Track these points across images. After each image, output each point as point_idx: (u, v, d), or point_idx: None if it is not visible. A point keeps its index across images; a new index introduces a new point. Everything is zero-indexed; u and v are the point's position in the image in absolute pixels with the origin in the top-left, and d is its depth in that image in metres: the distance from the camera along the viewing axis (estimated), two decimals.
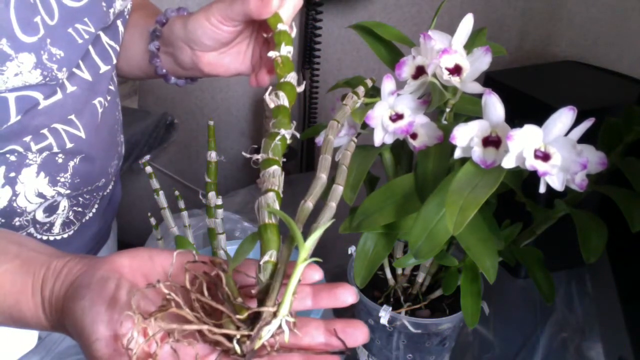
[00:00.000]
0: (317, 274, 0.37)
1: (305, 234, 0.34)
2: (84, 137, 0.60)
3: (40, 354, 0.67)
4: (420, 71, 0.50)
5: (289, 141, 0.42)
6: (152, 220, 0.67)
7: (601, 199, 0.71)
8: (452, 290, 0.57)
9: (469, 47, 0.49)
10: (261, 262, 0.35)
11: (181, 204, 0.66)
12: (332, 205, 0.38)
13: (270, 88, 0.45)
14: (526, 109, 0.73)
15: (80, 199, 0.64)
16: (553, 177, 0.43)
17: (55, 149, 0.58)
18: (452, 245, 0.57)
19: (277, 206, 0.37)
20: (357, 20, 0.88)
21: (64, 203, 0.63)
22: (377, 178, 0.60)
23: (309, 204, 0.38)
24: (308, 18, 1.28)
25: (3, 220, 0.58)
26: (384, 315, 0.56)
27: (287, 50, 0.48)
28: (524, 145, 0.43)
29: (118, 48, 0.65)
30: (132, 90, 1.40)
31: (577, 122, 0.43)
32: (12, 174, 0.56)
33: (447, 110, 0.51)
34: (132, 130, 1.23)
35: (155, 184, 0.63)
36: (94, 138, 0.62)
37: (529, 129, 0.43)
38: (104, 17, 0.60)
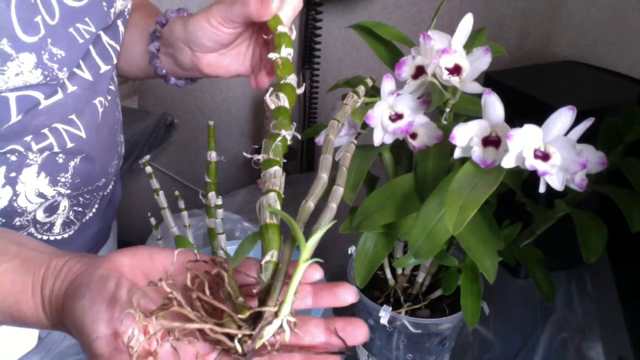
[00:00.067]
0: (318, 273, 0.37)
1: (306, 234, 0.34)
2: (85, 137, 0.60)
3: (40, 354, 0.67)
4: (420, 71, 0.50)
5: (289, 142, 0.42)
6: (152, 220, 0.67)
7: (601, 199, 0.71)
8: (452, 290, 0.57)
9: (468, 47, 0.49)
10: (262, 262, 0.35)
11: (181, 204, 0.66)
12: (333, 206, 0.38)
13: (271, 89, 0.45)
14: (526, 109, 0.73)
15: (80, 199, 0.64)
16: (553, 176, 0.43)
17: (56, 149, 0.58)
18: (452, 245, 0.57)
19: (278, 206, 0.37)
20: (357, 20, 0.88)
21: (64, 203, 0.63)
22: (377, 178, 0.60)
23: (311, 203, 0.38)
24: (308, 18, 1.28)
25: (3, 220, 0.58)
26: (384, 315, 0.56)
27: (287, 52, 0.49)
28: (523, 145, 0.43)
29: (118, 48, 0.65)
30: (132, 90, 1.40)
31: (577, 122, 0.43)
32: (13, 174, 0.56)
33: (447, 110, 0.51)
34: (132, 130, 1.22)
35: (155, 184, 0.63)
36: (95, 138, 0.62)
37: (529, 128, 0.43)
38: (105, 17, 0.60)
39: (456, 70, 0.48)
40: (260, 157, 0.40)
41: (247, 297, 0.35)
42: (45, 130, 0.57)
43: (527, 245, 0.58)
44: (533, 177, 0.44)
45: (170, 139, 1.34)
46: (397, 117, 0.50)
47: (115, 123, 0.68)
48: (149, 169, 0.63)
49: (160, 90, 1.45)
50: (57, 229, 0.64)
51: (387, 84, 0.50)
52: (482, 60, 0.48)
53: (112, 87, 0.66)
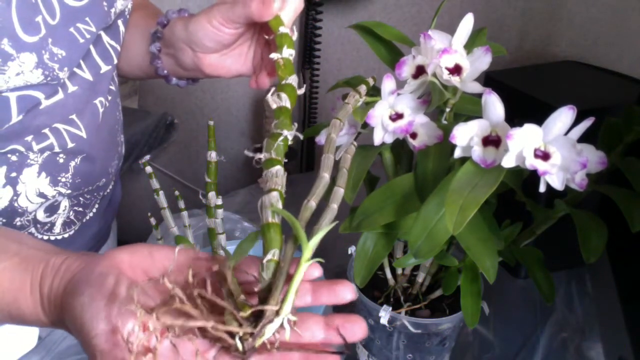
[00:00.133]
0: (317, 271, 0.37)
1: (307, 234, 0.35)
2: (85, 137, 0.60)
3: (40, 354, 0.67)
4: (420, 71, 0.50)
5: (290, 142, 0.42)
6: (152, 220, 0.67)
7: (601, 199, 0.71)
8: (452, 290, 0.57)
9: (469, 46, 0.49)
10: (264, 261, 0.35)
11: (181, 204, 0.66)
12: (334, 207, 0.38)
13: (273, 89, 0.45)
14: (526, 109, 0.73)
15: (80, 198, 0.64)
16: (553, 176, 0.43)
17: (57, 149, 0.58)
18: (452, 245, 0.57)
19: (280, 206, 0.37)
20: (357, 20, 0.88)
21: (64, 203, 0.63)
22: (377, 178, 0.60)
23: (312, 203, 0.38)
24: (308, 18, 1.28)
25: (4, 220, 0.58)
26: (384, 315, 0.56)
27: (288, 53, 0.49)
28: (523, 144, 0.43)
29: (119, 48, 0.65)
30: (132, 90, 1.40)
31: (577, 122, 0.43)
32: (14, 174, 0.56)
33: (447, 109, 0.51)
34: (132, 130, 1.22)
35: (155, 184, 0.63)
36: (95, 138, 0.62)
37: (529, 128, 0.43)
38: (105, 17, 0.60)
39: (456, 70, 0.48)
40: (261, 156, 0.40)
41: (247, 295, 0.36)
42: (46, 130, 0.57)
43: (527, 245, 0.58)
44: (533, 176, 0.44)
45: (170, 139, 1.34)
46: (398, 116, 0.50)
47: (116, 123, 0.68)
48: (149, 169, 0.63)
49: (160, 90, 1.45)
50: (57, 229, 0.64)
51: (388, 84, 0.50)
52: (482, 60, 0.48)
53: (112, 87, 0.66)
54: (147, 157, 0.65)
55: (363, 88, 0.50)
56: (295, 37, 0.52)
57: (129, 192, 1.38)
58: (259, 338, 0.32)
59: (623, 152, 0.53)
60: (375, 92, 0.51)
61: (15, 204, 0.57)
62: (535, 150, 0.43)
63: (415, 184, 0.51)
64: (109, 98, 0.65)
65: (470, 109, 0.52)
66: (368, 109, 0.49)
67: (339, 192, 0.40)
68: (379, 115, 0.50)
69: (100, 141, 0.64)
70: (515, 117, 0.44)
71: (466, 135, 0.45)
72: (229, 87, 1.43)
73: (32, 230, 0.61)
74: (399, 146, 0.55)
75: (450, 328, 0.58)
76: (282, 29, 0.50)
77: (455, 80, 0.47)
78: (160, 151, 1.35)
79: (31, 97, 0.53)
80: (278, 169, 0.39)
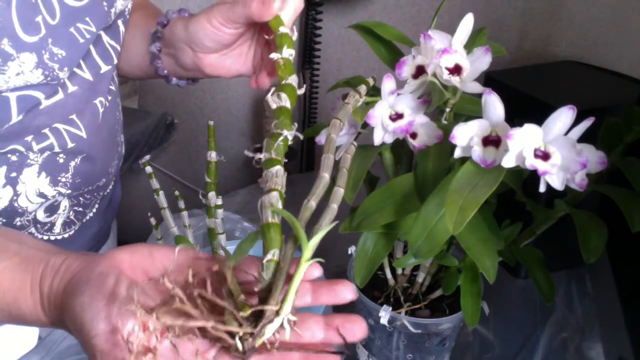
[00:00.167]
0: (317, 271, 0.37)
1: (307, 234, 0.35)
2: (85, 137, 0.60)
3: (40, 354, 0.67)
4: (420, 71, 0.50)
5: (290, 142, 0.42)
6: (152, 220, 0.67)
7: (601, 199, 0.71)
8: (452, 290, 0.57)
9: (469, 46, 0.49)
10: (264, 261, 0.35)
11: (181, 204, 0.66)
12: (334, 207, 0.38)
13: (273, 89, 0.45)
14: (526, 109, 0.73)
15: (80, 198, 0.65)
16: (553, 176, 0.43)
17: (57, 149, 0.58)
18: (452, 245, 0.57)
19: (280, 205, 0.37)
20: (357, 20, 0.88)
21: (64, 203, 0.63)
22: (377, 178, 0.60)
23: (312, 203, 0.38)
24: (308, 18, 1.28)
25: (4, 220, 0.58)
26: (384, 315, 0.56)
27: (288, 53, 0.49)
28: (523, 144, 0.43)
29: (119, 48, 0.65)
30: (132, 90, 1.40)
31: (577, 122, 0.43)
32: (14, 174, 0.56)
33: (447, 109, 0.51)
34: (132, 130, 1.22)
35: (155, 184, 0.63)
36: (95, 138, 0.62)
37: (529, 128, 0.43)
38: (105, 17, 0.60)
39: (456, 70, 0.48)
40: (261, 156, 0.40)
41: (247, 295, 0.36)
42: (46, 130, 0.57)
43: (527, 245, 0.58)
44: (533, 176, 0.44)
45: (170, 139, 1.34)
46: (398, 116, 0.50)
47: (116, 123, 0.68)
48: (149, 169, 0.63)
49: (160, 90, 1.45)
50: (57, 229, 0.64)
51: (388, 84, 0.50)
52: (482, 60, 0.48)
53: (112, 87, 0.66)
54: (147, 157, 0.65)
55: (363, 88, 0.50)
56: (295, 37, 0.52)
57: (129, 192, 1.38)
58: (259, 338, 0.32)
59: (623, 152, 0.53)
60: (375, 92, 0.51)
61: (15, 204, 0.57)
62: (535, 150, 0.43)
63: (415, 184, 0.51)
64: (109, 98, 0.65)
65: (470, 109, 0.52)
66: (368, 109, 0.49)
67: (339, 192, 0.40)
68: (379, 115, 0.50)
69: (100, 141, 0.64)
70: (515, 117, 0.44)
71: (466, 135, 0.45)
72: (229, 87, 1.43)
73: (32, 230, 0.61)
74: (399, 146, 0.55)
75: (450, 328, 0.58)
76: (282, 29, 0.50)
77: (455, 80, 0.47)
78: (160, 151, 1.35)
79: (31, 97, 0.53)
80: (278, 169, 0.39)
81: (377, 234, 0.54)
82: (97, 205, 0.69)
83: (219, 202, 0.62)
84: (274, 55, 0.48)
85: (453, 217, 0.41)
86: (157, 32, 0.63)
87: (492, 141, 0.45)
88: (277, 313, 0.33)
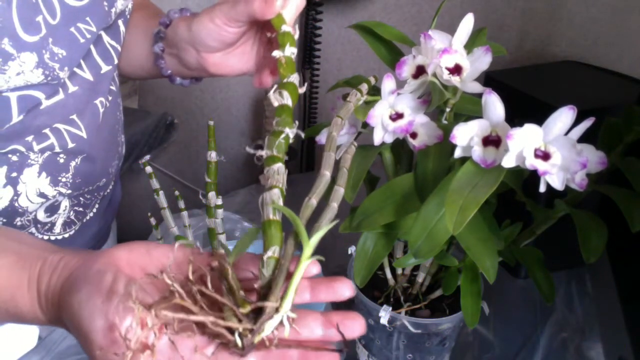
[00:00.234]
0: (315, 268, 0.38)
1: (308, 232, 0.35)
2: (86, 137, 0.60)
3: (40, 354, 0.67)
4: (420, 71, 0.50)
5: (291, 140, 0.42)
6: (152, 220, 0.67)
7: (601, 199, 0.71)
8: (452, 290, 0.57)
9: (469, 46, 0.49)
10: (265, 257, 0.35)
11: (181, 204, 0.66)
12: (334, 205, 0.38)
13: (275, 86, 0.45)
14: (526, 109, 0.73)
15: (81, 199, 0.65)
16: (553, 176, 0.43)
17: (57, 149, 0.58)
18: (452, 245, 0.57)
19: (281, 203, 0.38)
20: (357, 20, 0.88)
21: (65, 203, 0.63)
22: (377, 178, 0.60)
23: (313, 201, 0.38)
24: (308, 18, 1.28)
25: (5, 220, 0.58)
26: (384, 315, 0.56)
27: (290, 51, 0.49)
28: (524, 144, 0.43)
29: (119, 48, 0.65)
30: (132, 90, 1.40)
31: (577, 122, 0.43)
32: (14, 174, 0.56)
33: (447, 109, 0.51)
34: (132, 130, 1.22)
35: (155, 184, 0.63)
36: (95, 138, 0.62)
37: (529, 128, 0.43)
38: (106, 17, 0.60)
39: (457, 70, 0.48)
40: (263, 153, 0.40)
41: (246, 292, 0.36)
42: (47, 131, 0.57)
43: (527, 245, 0.58)
44: (533, 176, 0.44)
45: (170, 139, 1.34)
46: (398, 116, 0.50)
47: (116, 123, 0.68)
48: (149, 169, 0.63)
49: (160, 90, 1.45)
50: (57, 229, 0.64)
51: (388, 83, 0.50)
52: (482, 60, 0.48)
53: (113, 88, 0.66)
54: (147, 157, 0.65)
55: (364, 86, 0.50)
56: (297, 36, 0.52)
57: (129, 192, 1.38)
58: (259, 334, 0.32)
59: (623, 152, 0.53)
60: (375, 91, 0.52)
61: (16, 204, 0.57)
62: (536, 150, 0.43)
63: (415, 184, 0.51)
64: (110, 98, 0.65)
65: (470, 109, 0.52)
66: (369, 107, 0.49)
67: (339, 191, 0.40)
68: (379, 115, 0.50)
69: (100, 141, 0.64)
70: (515, 117, 0.44)
71: (466, 135, 0.45)
72: (229, 87, 1.43)
73: (33, 230, 0.61)
74: (399, 146, 0.55)
75: (450, 328, 0.58)
76: (285, 27, 0.50)
77: (455, 80, 0.47)
78: (160, 151, 1.35)
79: (32, 97, 0.53)
80: (279, 166, 0.40)
81: (377, 234, 0.54)
82: (97, 205, 0.69)
83: (219, 202, 0.62)
84: (276, 53, 0.48)
85: (453, 217, 0.41)
86: (160, 32, 0.63)
87: (492, 141, 0.45)
88: (277, 310, 0.33)
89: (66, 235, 0.65)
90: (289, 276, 0.34)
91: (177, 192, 0.66)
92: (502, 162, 0.43)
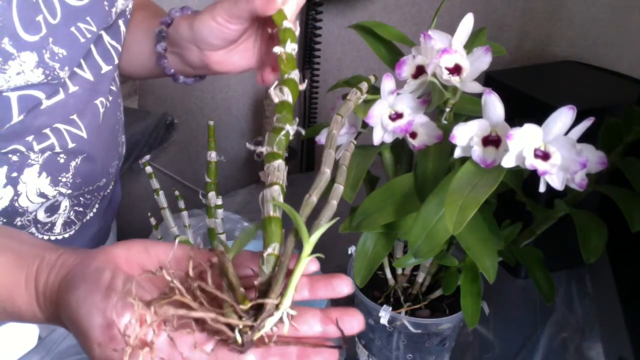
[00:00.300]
0: (314, 265, 0.38)
1: (308, 229, 0.35)
2: (86, 137, 0.60)
3: (40, 354, 0.67)
4: (420, 71, 0.50)
5: (291, 137, 0.42)
6: (152, 220, 0.67)
7: (601, 199, 0.71)
8: (452, 290, 0.57)
9: (469, 46, 0.49)
10: (265, 254, 0.35)
11: (181, 204, 0.66)
12: (334, 203, 0.39)
13: (276, 83, 0.45)
14: (526, 109, 0.73)
15: (81, 199, 0.65)
16: (553, 176, 0.43)
17: (57, 149, 0.58)
18: (452, 245, 0.57)
19: (281, 199, 0.37)
20: (357, 20, 0.88)
21: (65, 203, 0.63)
22: (377, 178, 0.60)
23: (314, 198, 0.38)
24: (308, 18, 1.28)
25: (5, 220, 0.58)
26: (384, 315, 0.56)
27: (292, 48, 0.49)
28: (523, 144, 0.43)
29: (120, 48, 0.65)
30: (132, 90, 1.40)
31: (577, 121, 0.43)
32: (14, 174, 0.56)
33: (447, 109, 0.51)
34: (132, 130, 1.22)
35: (155, 184, 0.63)
36: (96, 138, 0.62)
37: (529, 128, 0.43)
38: (106, 17, 0.60)
39: (456, 70, 0.48)
40: (263, 149, 0.40)
41: (246, 289, 0.36)
42: (47, 130, 0.57)
43: (527, 245, 0.58)
44: (533, 176, 0.44)
45: (170, 139, 1.34)
46: (397, 116, 0.50)
47: (117, 123, 0.68)
48: (149, 169, 0.63)
49: (160, 90, 1.45)
50: (57, 229, 0.64)
51: (387, 83, 0.50)
52: (482, 60, 0.48)
53: (113, 88, 0.66)
54: (147, 157, 0.65)
55: (364, 85, 0.50)
56: (298, 32, 0.52)
57: (129, 192, 1.38)
58: (258, 331, 0.33)
59: (623, 152, 0.53)
60: (375, 91, 0.52)
61: (16, 204, 0.57)
62: (535, 150, 0.43)
63: (415, 184, 0.51)
64: (110, 98, 0.65)
65: (470, 109, 0.52)
66: (369, 106, 0.49)
67: (339, 188, 0.40)
68: (378, 115, 0.50)
69: (100, 141, 0.64)
70: (515, 117, 0.44)
71: (466, 135, 0.45)
72: (229, 87, 1.43)
73: (33, 230, 0.61)
74: (399, 146, 0.55)
75: (450, 328, 0.58)
76: (286, 24, 0.50)
77: (455, 80, 0.47)
78: (160, 151, 1.35)
79: (32, 96, 0.53)
80: (280, 162, 0.40)
81: (377, 234, 0.54)
82: (97, 205, 0.69)
83: (219, 202, 0.62)
84: (276, 49, 0.48)
85: (453, 217, 0.41)
86: (162, 31, 0.63)
87: (492, 141, 0.45)
88: (277, 307, 0.33)
89: (66, 235, 0.65)
90: (289, 273, 0.34)
91: (177, 192, 0.66)
92: (502, 162, 0.43)
